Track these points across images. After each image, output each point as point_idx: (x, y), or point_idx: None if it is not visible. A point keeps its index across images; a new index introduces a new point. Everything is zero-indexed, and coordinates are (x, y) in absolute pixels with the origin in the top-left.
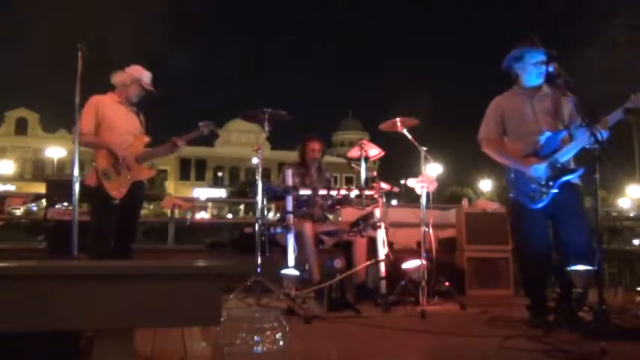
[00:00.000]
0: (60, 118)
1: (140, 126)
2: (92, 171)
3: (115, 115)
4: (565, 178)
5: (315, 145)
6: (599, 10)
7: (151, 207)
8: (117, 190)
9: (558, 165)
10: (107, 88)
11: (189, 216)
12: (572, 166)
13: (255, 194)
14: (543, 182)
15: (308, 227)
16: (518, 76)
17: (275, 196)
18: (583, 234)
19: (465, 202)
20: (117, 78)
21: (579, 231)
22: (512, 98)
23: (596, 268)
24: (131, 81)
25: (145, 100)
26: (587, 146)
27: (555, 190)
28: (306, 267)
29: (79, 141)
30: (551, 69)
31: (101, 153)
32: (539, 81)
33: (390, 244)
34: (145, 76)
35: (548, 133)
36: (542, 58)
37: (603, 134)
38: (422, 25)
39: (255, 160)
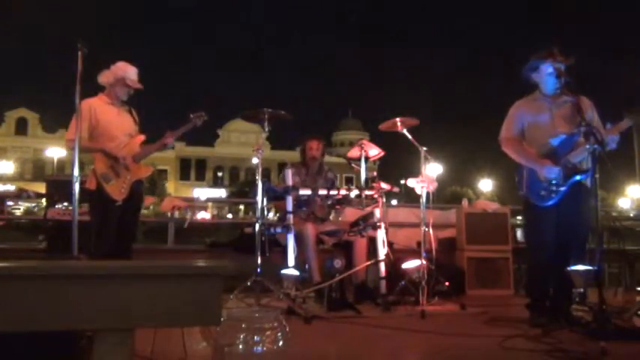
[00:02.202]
0: (60, 118)
1: (134, 124)
2: (91, 174)
3: (107, 118)
4: (576, 178)
5: (314, 144)
6: None
7: (151, 207)
8: (118, 192)
9: (570, 165)
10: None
11: (188, 216)
12: (585, 167)
13: (255, 194)
14: (554, 182)
15: (310, 228)
16: (538, 83)
17: (275, 196)
18: (582, 234)
19: (465, 202)
20: (102, 78)
21: (579, 230)
22: (533, 103)
23: (596, 268)
24: (115, 80)
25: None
26: (588, 146)
27: (564, 189)
28: (307, 267)
29: (73, 146)
30: (551, 69)
31: (98, 156)
32: (557, 88)
33: (390, 244)
34: (130, 72)
35: (563, 136)
36: (557, 67)
37: (615, 139)
38: (421, 24)
39: (255, 160)
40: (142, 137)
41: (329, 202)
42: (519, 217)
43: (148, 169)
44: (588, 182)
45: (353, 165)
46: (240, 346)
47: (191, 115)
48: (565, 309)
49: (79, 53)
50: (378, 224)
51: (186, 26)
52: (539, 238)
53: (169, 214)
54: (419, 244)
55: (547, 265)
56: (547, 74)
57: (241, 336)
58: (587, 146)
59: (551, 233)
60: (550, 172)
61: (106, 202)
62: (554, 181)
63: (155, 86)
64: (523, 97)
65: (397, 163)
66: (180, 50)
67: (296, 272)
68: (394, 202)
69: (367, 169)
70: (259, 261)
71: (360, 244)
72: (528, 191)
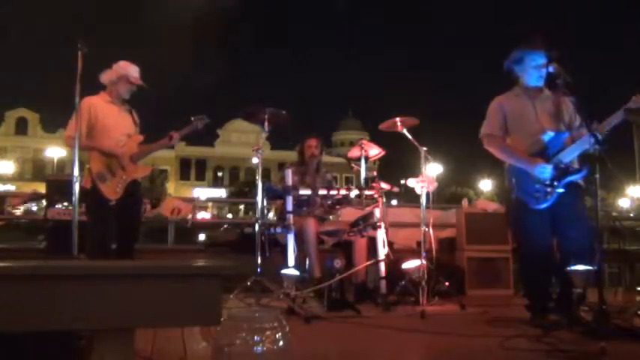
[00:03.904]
0: (60, 118)
1: (133, 125)
2: (87, 173)
3: (107, 117)
4: (570, 178)
5: (312, 142)
6: None
7: (153, 210)
8: (113, 191)
9: (562, 165)
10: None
11: (189, 216)
12: (576, 166)
13: (255, 194)
14: (548, 182)
15: (311, 223)
16: (519, 77)
17: (275, 196)
18: (584, 234)
19: (465, 202)
20: (104, 77)
21: (580, 231)
22: (514, 98)
23: (596, 268)
24: (118, 78)
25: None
26: (588, 146)
27: (561, 190)
28: (307, 264)
29: (71, 144)
30: (551, 69)
31: (95, 155)
32: (540, 83)
33: (390, 244)
34: (132, 70)
35: (551, 133)
36: (542, 60)
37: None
38: (421, 23)
39: (255, 160)
40: (140, 138)
41: (329, 202)
42: None
43: (145, 170)
44: (581, 182)
45: (353, 165)
46: (240, 346)
47: (192, 118)
48: (567, 310)
49: (79, 53)
50: (378, 224)
51: (185, 26)
52: (533, 242)
53: (169, 218)
54: (419, 244)
55: (543, 268)
56: (531, 67)
57: (241, 336)
58: (588, 146)
59: (548, 236)
60: (542, 171)
61: (100, 202)
62: (547, 181)
63: (154, 86)
64: (503, 93)
65: (397, 163)
66: (180, 50)
67: (296, 272)
68: (394, 202)
69: (367, 169)
70: (259, 261)
71: (360, 244)
72: (521, 193)
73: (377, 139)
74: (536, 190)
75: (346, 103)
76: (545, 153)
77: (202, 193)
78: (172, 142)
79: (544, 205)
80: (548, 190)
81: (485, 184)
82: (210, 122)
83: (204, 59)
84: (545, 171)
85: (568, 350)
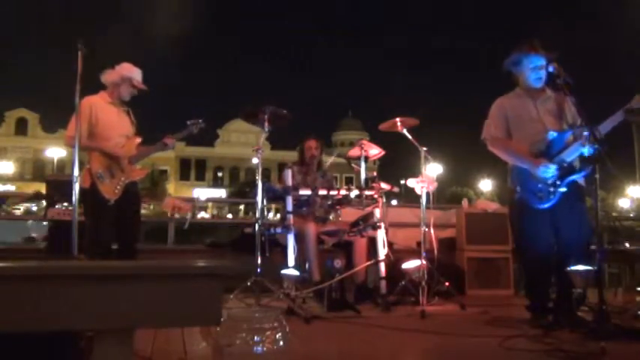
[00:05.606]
0: (60, 118)
1: (131, 126)
2: (86, 173)
3: (107, 118)
4: (572, 177)
5: (312, 143)
6: None
7: (151, 207)
8: (112, 192)
9: (565, 164)
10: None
11: (188, 216)
12: (577, 166)
13: (255, 194)
14: (550, 182)
15: (311, 228)
16: (519, 78)
17: (275, 196)
18: (584, 234)
19: (465, 202)
20: (106, 77)
21: (581, 231)
22: (515, 99)
23: (596, 268)
24: (121, 80)
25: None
26: (588, 146)
27: (564, 189)
28: (307, 267)
29: (72, 144)
30: (551, 69)
31: (95, 156)
32: (539, 84)
33: (390, 244)
34: (136, 73)
35: (553, 133)
36: (540, 62)
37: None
38: (421, 23)
39: (255, 160)
40: (139, 139)
41: (329, 202)
42: None
43: (142, 172)
44: (582, 182)
45: (353, 165)
46: (240, 346)
47: (188, 122)
48: (567, 310)
49: (79, 53)
50: (378, 224)
51: (184, 26)
52: (536, 242)
53: (169, 214)
54: (419, 244)
55: (547, 267)
56: (530, 68)
57: (241, 336)
58: (588, 146)
59: (549, 235)
60: (546, 171)
61: (99, 201)
62: (549, 180)
63: (153, 86)
64: (504, 95)
65: (397, 163)
66: (180, 50)
67: (296, 272)
68: (394, 202)
69: (367, 169)
70: (259, 261)
71: (360, 244)
72: (525, 193)
73: (377, 139)
74: (539, 190)
75: (346, 103)
76: (548, 152)
77: (202, 193)
78: (168, 148)
79: (547, 205)
80: (551, 189)
81: (486, 184)
82: (205, 126)
83: (203, 59)
84: (549, 170)
85: (568, 350)
